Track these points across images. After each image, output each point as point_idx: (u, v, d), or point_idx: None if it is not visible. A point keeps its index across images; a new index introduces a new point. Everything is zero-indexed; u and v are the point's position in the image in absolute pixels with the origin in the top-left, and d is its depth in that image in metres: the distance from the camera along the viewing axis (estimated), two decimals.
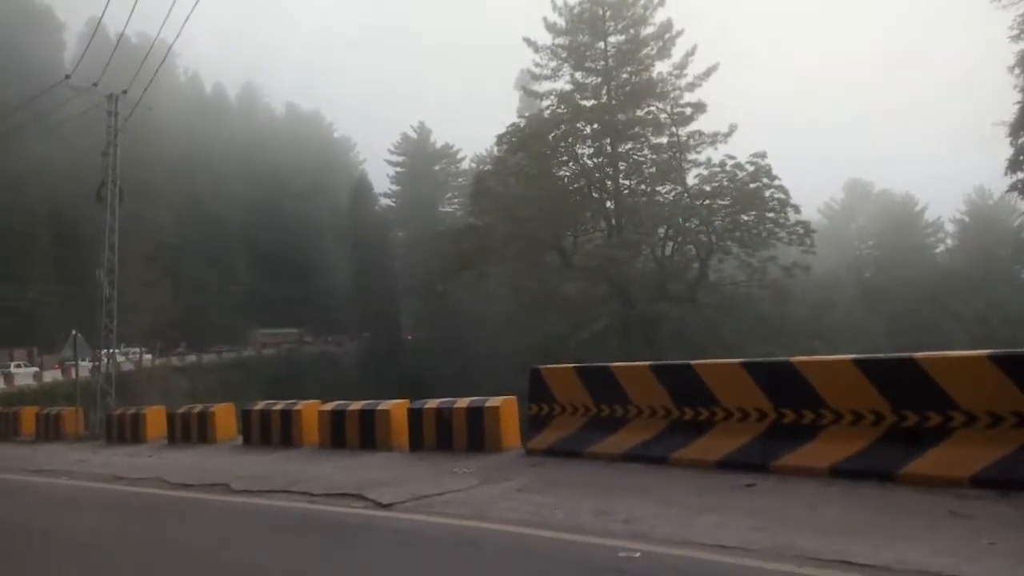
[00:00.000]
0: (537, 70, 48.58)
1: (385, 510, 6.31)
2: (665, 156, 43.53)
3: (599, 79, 46.09)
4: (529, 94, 52.69)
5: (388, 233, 79.13)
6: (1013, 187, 35.04)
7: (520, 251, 42.65)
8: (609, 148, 44.25)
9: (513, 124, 46.52)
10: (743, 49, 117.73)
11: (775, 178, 39.30)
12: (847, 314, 53.61)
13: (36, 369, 42.40)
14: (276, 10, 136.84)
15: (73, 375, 24.47)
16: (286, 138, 74.11)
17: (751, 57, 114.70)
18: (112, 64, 19.21)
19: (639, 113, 43.78)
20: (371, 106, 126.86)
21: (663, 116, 43.24)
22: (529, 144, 43.17)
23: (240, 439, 12.54)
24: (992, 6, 32.20)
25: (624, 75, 45.45)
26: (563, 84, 47.57)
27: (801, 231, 39.36)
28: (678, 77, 44.51)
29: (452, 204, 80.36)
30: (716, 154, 41.77)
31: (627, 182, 45.41)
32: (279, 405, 11.95)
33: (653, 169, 43.99)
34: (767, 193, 39.38)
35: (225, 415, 13.33)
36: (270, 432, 11.71)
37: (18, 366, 42.71)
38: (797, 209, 40.36)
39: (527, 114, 50.75)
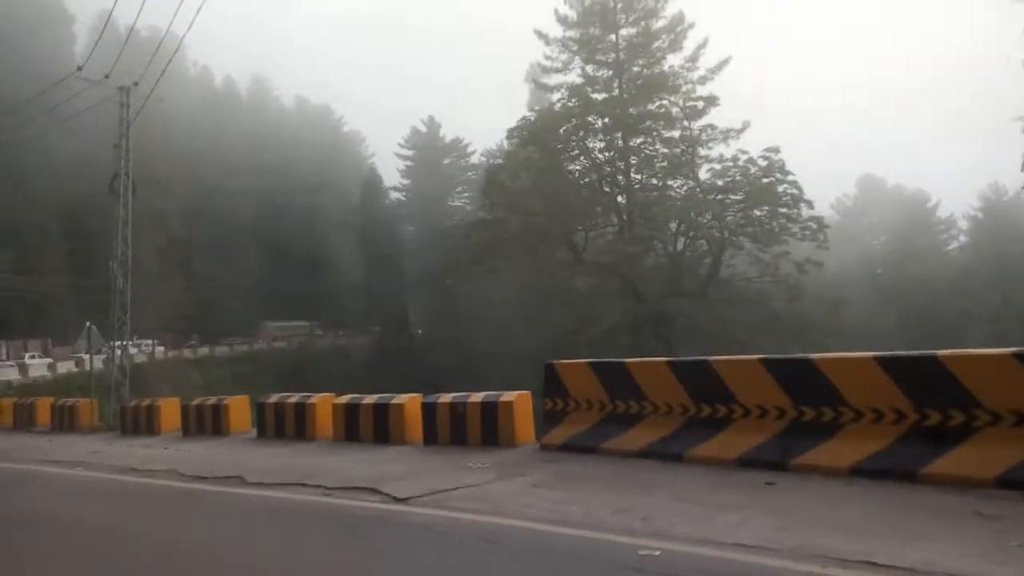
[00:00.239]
0: (548, 63, 48.50)
1: (401, 504, 6.29)
2: (677, 150, 43.22)
3: (610, 72, 45.83)
4: (540, 87, 52.52)
5: (398, 227, 79.19)
6: None
7: (530, 246, 42.46)
8: (620, 142, 43.99)
9: (524, 118, 46.38)
10: (755, 42, 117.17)
11: (788, 173, 39.06)
12: (859, 311, 53.20)
13: (50, 360, 42.78)
14: (286, 1, 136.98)
15: (87, 367, 24.67)
16: (296, 132, 74.10)
17: (763, 50, 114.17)
18: (123, 57, 19.25)
19: (651, 107, 43.49)
20: (381, 100, 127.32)
21: (675, 110, 42.95)
22: (540, 138, 42.99)
23: (254, 432, 12.58)
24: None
25: (635, 68, 45.23)
26: (574, 77, 47.53)
27: (814, 227, 39.09)
28: (690, 70, 44.35)
29: (462, 198, 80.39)
30: (728, 150, 41.60)
31: (639, 176, 45.15)
32: (293, 398, 11.97)
33: (665, 163, 43.69)
34: (780, 188, 39.09)
35: (239, 407, 13.39)
36: (284, 425, 11.75)
37: (32, 357, 43.12)
38: (810, 204, 40.12)
39: (537, 107, 50.46)
